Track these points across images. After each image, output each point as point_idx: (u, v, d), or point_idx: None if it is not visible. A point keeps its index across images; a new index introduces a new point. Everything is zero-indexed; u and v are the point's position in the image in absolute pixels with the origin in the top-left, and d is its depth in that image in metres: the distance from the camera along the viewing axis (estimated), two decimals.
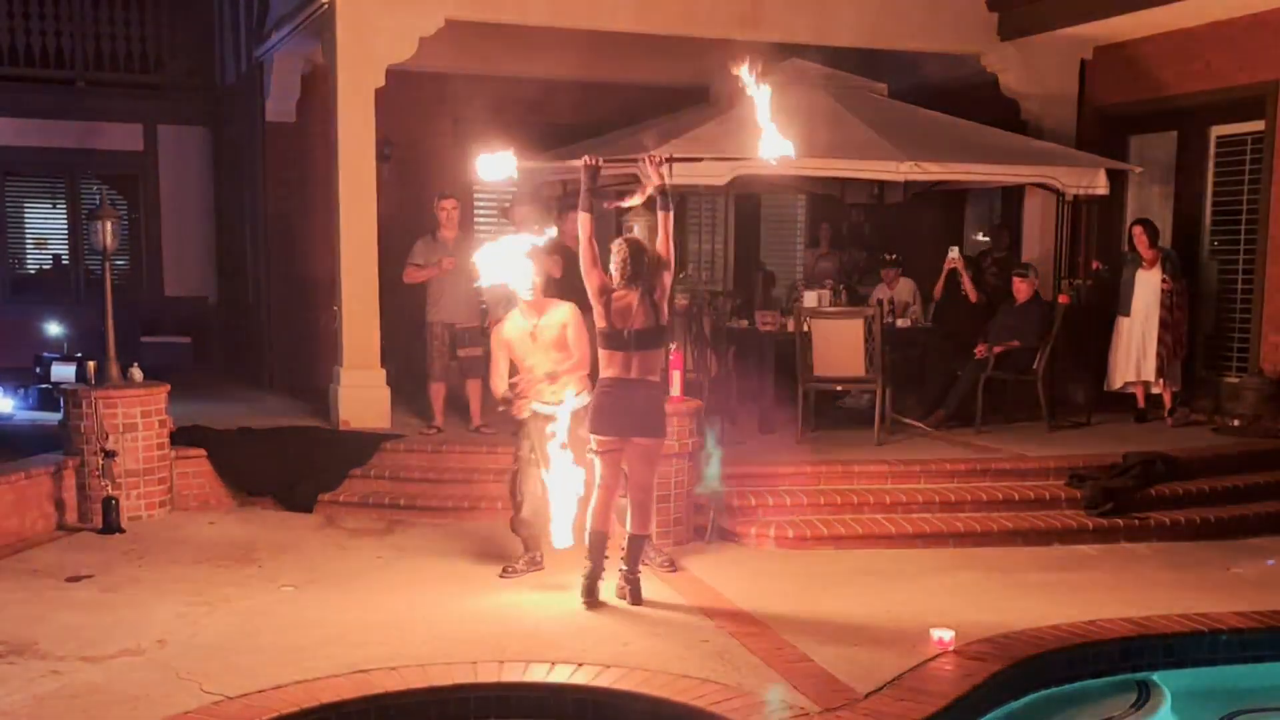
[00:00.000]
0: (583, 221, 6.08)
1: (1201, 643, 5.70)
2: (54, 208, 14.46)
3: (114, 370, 8.17)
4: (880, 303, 10.19)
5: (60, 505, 7.79)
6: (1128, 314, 9.77)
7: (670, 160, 6.03)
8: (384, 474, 8.40)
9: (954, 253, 10.11)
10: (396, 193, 11.02)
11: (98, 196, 13.37)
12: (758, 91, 5.72)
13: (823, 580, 6.68)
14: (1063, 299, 9.59)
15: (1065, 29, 10.44)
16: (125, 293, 13.57)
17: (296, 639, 5.55)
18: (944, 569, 6.99)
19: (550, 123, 11.89)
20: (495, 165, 5.96)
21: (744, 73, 5.70)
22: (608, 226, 11.47)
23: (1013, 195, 11.47)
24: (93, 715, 4.67)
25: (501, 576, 6.60)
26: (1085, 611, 5.92)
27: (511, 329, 6.49)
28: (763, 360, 9.52)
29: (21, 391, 10.55)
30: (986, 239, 10.20)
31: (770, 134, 5.77)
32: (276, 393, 11.26)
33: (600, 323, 6.06)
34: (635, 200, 6.29)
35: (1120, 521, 7.74)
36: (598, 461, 6.13)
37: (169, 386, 8.31)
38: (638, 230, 7.85)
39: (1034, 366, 9.42)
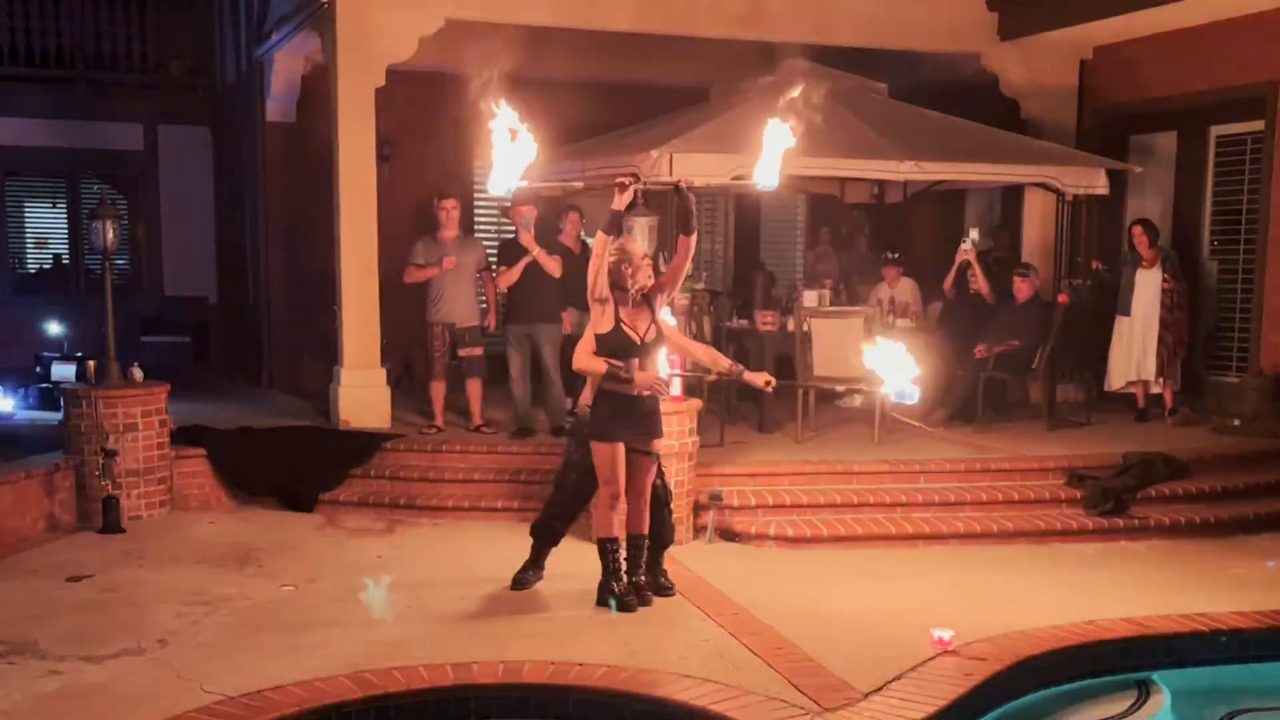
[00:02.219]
0: (600, 242, 5.84)
1: (1201, 643, 5.70)
2: (54, 208, 14.46)
3: (114, 370, 8.17)
4: (880, 302, 10.18)
5: (60, 505, 7.79)
6: (1128, 314, 9.78)
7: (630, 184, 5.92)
8: (384, 474, 8.41)
9: (967, 243, 10.04)
10: (396, 193, 11.02)
11: (98, 196, 13.38)
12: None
13: (823, 580, 6.68)
14: (1062, 299, 9.59)
15: (1065, 29, 10.44)
16: (125, 293, 13.58)
17: (296, 639, 5.55)
18: (944, 569, 6.99)
19: (550, 123, 11.88)
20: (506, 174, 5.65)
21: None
22: None
23: (1013, 195, 11.46)
24: (93, 715, 4.68)
25: (512, 589, 6.40)
26: (1085, 611, 5.92)
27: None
28: (763, 360, 9.51)
29: (21, 391, 10.56)
30: (977, 239, 10.18)
31: (770, 157, 5.61)
32: (276, 393, 11.26)
33: (605, 329, 5.93)
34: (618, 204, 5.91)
35: (1120, 521, 7.74)
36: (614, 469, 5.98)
37: (169, 386, 8.31)
38: (637, 232, 7.84)
39: (1034, 366, 9.42)
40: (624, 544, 6.09)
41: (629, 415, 5.96)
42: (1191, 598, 6.29)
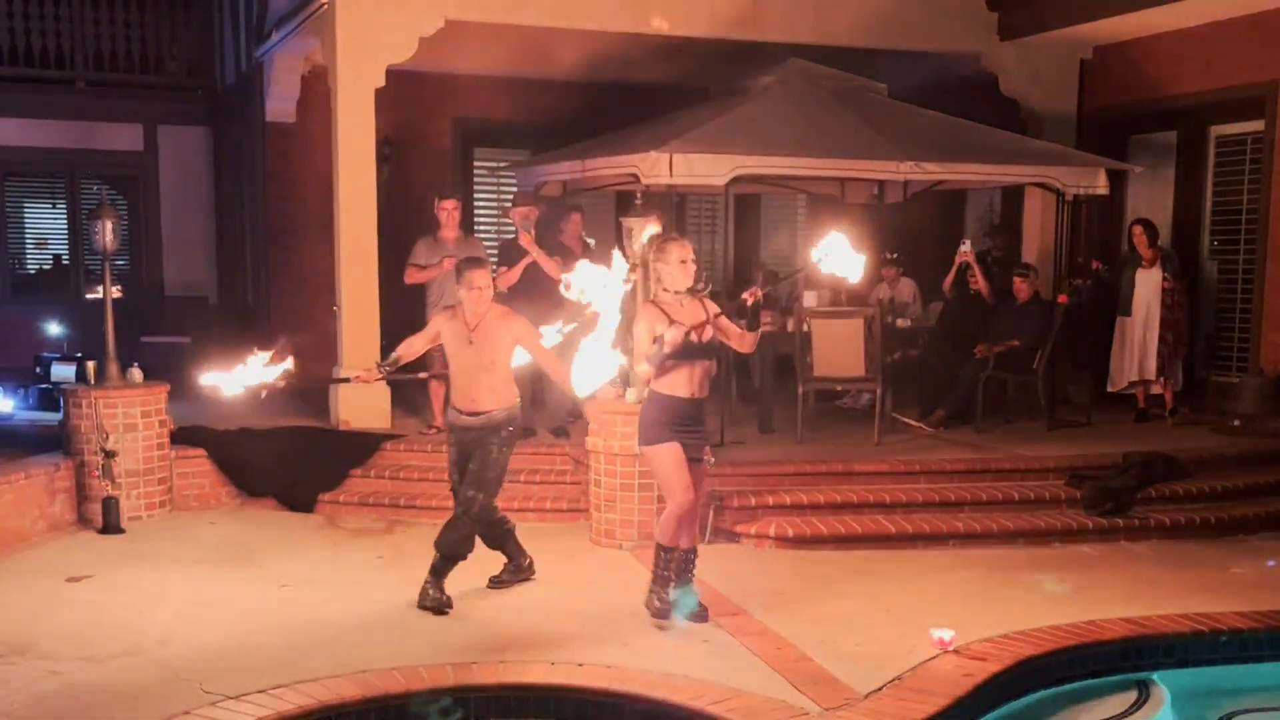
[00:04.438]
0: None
1: (1201, 643, 5.70)
2: (54, 208, 14.46)
3: (114, 370, 8.17)
4: (880, 302, 10.17)
5: (60, 505, 7.79)
6: (1128, 314, 9.77)
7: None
8: (384, 474, 8.41)
9: (965, 245, 10.04)
10: (396, 193, 11.02)
11: (98, 196, 13.38)
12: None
13: (823, 580, 6.68)
14: (1062, 299, 9.58)
15: (1065, 29, 10.45)
16: (125, 292, 13.58)
17: (296, 639, 5.56)
18: (944, 569, 6.99)
19: (550, 123, 11.90)
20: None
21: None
22: (608, 229, 11.48)
23: (1013, 195, 11.47)
24: (93, 715, 4.68)
25: (489, 587, 6.45)
26: (1085, 611, 5.92)
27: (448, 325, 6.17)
28: (763, 360, 9.51)
29: (21, 391, 10.55)
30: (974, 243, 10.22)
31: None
32: (277, 393, 11.23)
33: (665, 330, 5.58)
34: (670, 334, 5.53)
35: (1120, 521, 7.74)
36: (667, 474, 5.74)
37: (169, 386, 8.32)
38: (635, 232, 7.83)
39: (1034, 366, 9.41)
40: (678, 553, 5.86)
41: (681, 419, 5.68)
42: (1191, 598, 6.29)
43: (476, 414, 6.07)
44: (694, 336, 5.54)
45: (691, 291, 5.70)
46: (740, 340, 5.80)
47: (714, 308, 5.74)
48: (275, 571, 6.81)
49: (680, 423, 5.67)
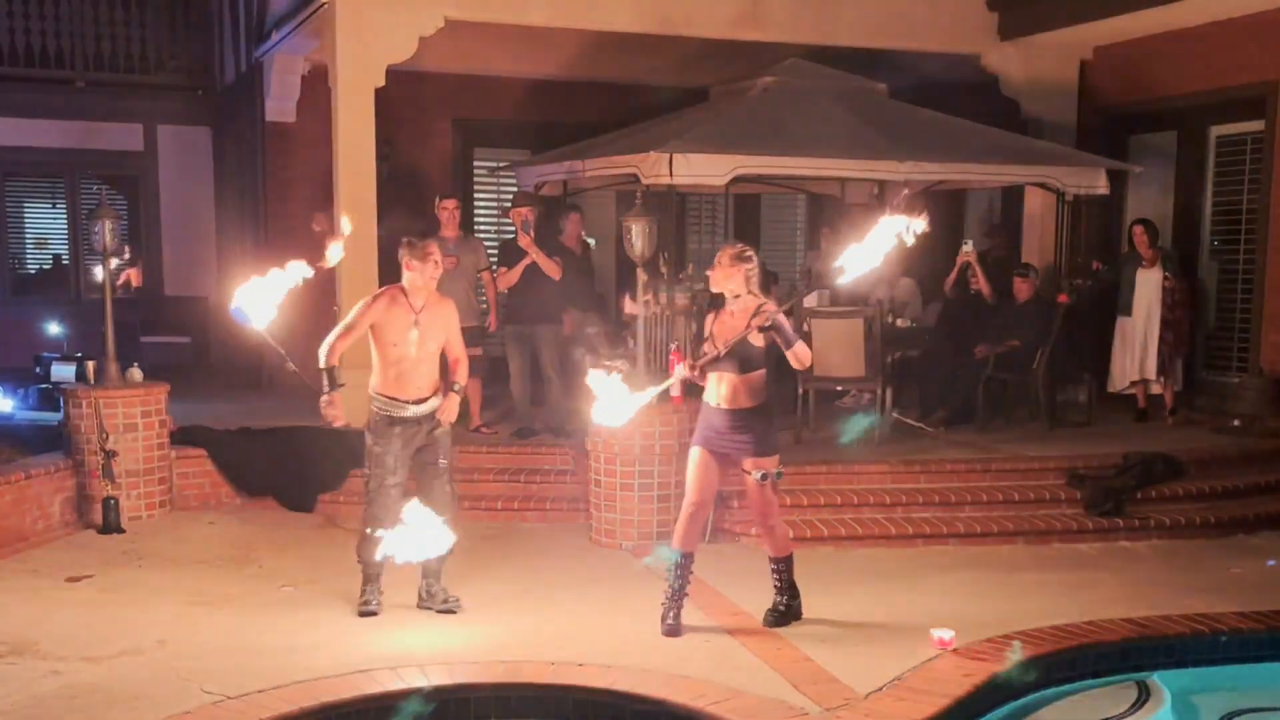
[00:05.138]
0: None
1: (1201, 643, 5.70)
2: (54, 208, 14.45)
3: (113, 370, 8.17)
4: (880, 302, 10.18)
5: (60, 505, 7.79)
6: (1129, 314, 9.77)
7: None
8: None
9: (967, 246, 10.04)
10: (396, 193, 11.02)
11: (98, 196, 13.38)
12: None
13: (823, 580, 6.68)
14: (1063, 299, 9.59)
15: (1065, 29, 10.44)
16: (125, 292, 13.57)
17: (297, 639, 5.56)
18: (944, 569, 6.99)
19: (550, 123, 11.90)
20: None
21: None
22: (609, 229, 11.47)
23: (1013, 195, 11.45)
24: (93, 715, 4.68)
25: (360, 615, 5.95)
26: (1085, 611, 5.93)
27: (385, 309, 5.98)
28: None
29: (21, 391, 10.54)
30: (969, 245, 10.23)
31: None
32: (276, 393, 11.26)
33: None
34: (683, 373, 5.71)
35: (1120, 521, 7.75)
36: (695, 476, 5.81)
37: (169, 386, 8.32)
38: (635, 232, 7.83)
39: (1034, 366, 9.42)
40: (692, 560, 5.78)
41: (707, 426, 5.76)
42: (1191, 598, 6.30)
43: (423, 401, 6.01)
44: (707, 350, 5.69)
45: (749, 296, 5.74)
46: (793, 357, 5.74)
47: (771, 307, 5.70)
48: (275, 571, 6.82)
49: (707, 429, 5.81)
